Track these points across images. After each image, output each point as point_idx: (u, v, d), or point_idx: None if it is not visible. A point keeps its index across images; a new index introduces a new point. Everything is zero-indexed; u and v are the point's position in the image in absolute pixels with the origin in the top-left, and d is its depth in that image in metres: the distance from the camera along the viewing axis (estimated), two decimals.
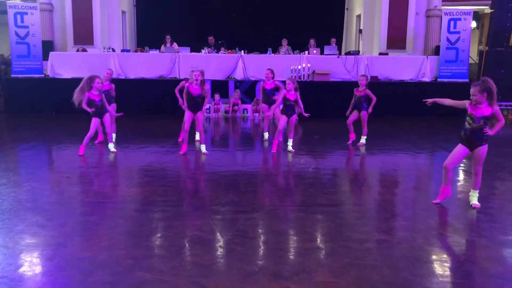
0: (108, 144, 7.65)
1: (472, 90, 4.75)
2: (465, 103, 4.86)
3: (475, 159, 4.85)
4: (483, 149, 4.80)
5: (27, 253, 3.60)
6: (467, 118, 4.81)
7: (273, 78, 8.85)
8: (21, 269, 3.33)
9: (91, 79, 7.16)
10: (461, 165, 7.23)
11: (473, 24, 15.83)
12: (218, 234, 4.07)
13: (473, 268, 3.47)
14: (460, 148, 4.89)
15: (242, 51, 13.50)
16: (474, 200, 4.94)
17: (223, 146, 9.06)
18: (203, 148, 7.54)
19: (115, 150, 7.58)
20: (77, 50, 13.75)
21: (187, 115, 7.37)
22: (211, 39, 14.54)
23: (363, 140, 8.43)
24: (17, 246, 3.74)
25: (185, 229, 4.18)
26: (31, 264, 3.43)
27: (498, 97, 4.87)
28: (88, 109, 7.20)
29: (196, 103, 7.33)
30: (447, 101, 5.12)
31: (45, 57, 13.30)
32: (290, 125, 7.71)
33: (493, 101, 4.71)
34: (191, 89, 7.25)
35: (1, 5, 16.16)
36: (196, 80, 7.15)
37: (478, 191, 4.96)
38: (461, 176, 6.57)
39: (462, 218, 4.68)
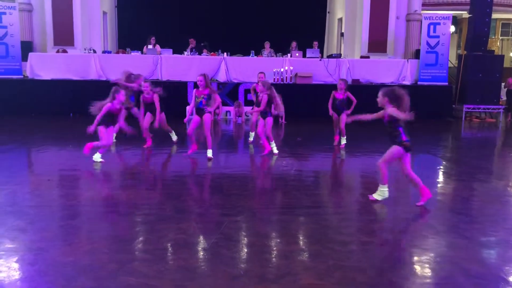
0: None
1: (378, 94, 5.06)
2: (382, 112, 5.09)
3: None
4: (392, 149, 5.03)
5: (7, 258, 3.53)
6: None
7: None
8: (2, 275, 3.26)
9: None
10: (441, 167, 7.36)
11: (452, 28, 16.10)
12: (202, 237, 4.06)
13: (455, 269, 3.52)
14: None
15: (225, 53, 13.49)
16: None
17: (206, 149, 9.01)
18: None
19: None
20: (57, 51, 13.54)
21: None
22: (192, 41, 14.49)
23: (343, 141, 8.48)
24: None
25: (170, 232, 4.14)
26: (11, 270, 3.36)
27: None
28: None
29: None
30: (368, 116, 5.32)
31: (24, 58, 13.07)
32: (267, 127, 7.67)
33: (398, 107, 4.92)
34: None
35: None
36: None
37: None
38: (441, 178, 6.67)
39: (443, 220, 4.75)
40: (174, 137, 8.57)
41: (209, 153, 7.23)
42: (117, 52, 14.02)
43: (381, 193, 5.16)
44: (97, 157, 6.90)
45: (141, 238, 4.03)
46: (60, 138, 9.00)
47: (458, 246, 3.99)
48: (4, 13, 12.99)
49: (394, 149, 5.00)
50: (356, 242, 4.00)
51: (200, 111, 7.17)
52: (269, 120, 7.60)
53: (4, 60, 13.07)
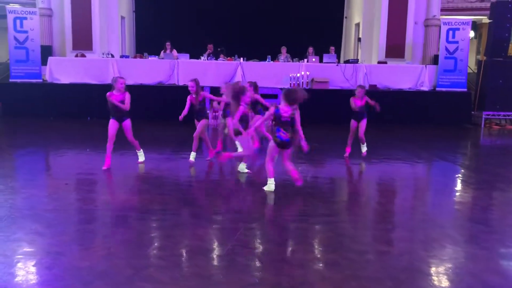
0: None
1: None
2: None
3: None
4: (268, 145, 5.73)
5: (25, 262, 3.57)
6: None
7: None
8: (19, 279, 3.30)
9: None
10: (459, 175, 7.25)
11: (471, 33, 15.90)
12: (218, 244, 4.05)
13: (475, 281, 3.45)
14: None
15: (241, 59, 13.51)
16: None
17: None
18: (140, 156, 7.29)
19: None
20: (76, 56, 13.73)
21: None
22: (210, 46, 14.57)
23: (364, 148, 8.14)
24: (15, 254, 3.70)
25: (185, 238, 4.15)
26: (29, 273, 3.40)
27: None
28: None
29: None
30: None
31: (44, 62, 13.27)
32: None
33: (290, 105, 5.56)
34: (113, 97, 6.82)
35: (0, 10, 16.13)
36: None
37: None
38: (459, 186, 6.57)
39: (461, 229, 4.67)
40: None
41: (192, 156, 7.23)
42: (135, 57, 14.15)
43: (268, 186, 5.69)
44: (242, 167, 6.68)
45: (156, 244, 4.04)
46: (78, 142, 9.10)
47: (477, 257, 3.91)
48: (25, 18, 13.21)
49: (269, 144, 5.69)
50: (373, 252, 3.95)
51: (198, 117, 7.29)
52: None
53: (24, 64, 13.28)
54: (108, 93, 6.75)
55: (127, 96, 6.85)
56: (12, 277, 3.32)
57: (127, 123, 6.91)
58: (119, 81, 6.80)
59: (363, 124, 8.05)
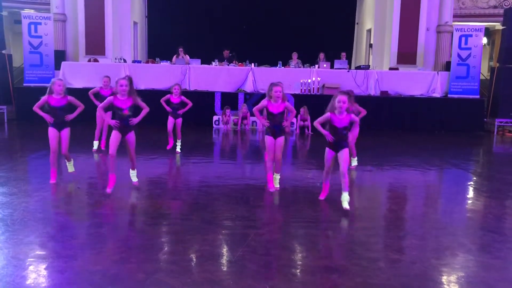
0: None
1: None
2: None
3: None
4: None
5: (37, 265, 3.59)
6: None
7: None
8: (31, 281, 3.32)
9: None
10: (472, 183, 7.18)
11: (484, 40, 15.78)
12: (228, 249, 4.05)
13: None
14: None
15: (252, 64, 13.56)
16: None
17: (232, 159, 9.06)
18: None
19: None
20: (89, 60, 13.87)
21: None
22: (226, 52, 14.64)
23: (354, 162, 7.65)
24: (27, 257, 3.73)
25: (196, 243, 4.15)
26: (41, 276, 3.42)
27: None
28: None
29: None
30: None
31: (57, 66, 13.44)
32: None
33: None
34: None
35: (16, 15, 16.39)
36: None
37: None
38: (471, 194, 6.50)
39: (474, 238, 4.62)
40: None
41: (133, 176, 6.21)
42: (147, 62, 14.27)
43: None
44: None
45: (167, 249, 4.04)
46: (90, 146, 9.15)
47: (491, 266, 3.86)
48: (40, 24, 13.40)
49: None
50: (385, 259, 3.92)
51: (125, 128, 5.72)
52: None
53: (38, 69, 13.46)
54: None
55: (74, 100, 6.22)
56: (24, 280, 3.34)
57: (66, 131, 6.47)
58: (57, 83, 5.92)
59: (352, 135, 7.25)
